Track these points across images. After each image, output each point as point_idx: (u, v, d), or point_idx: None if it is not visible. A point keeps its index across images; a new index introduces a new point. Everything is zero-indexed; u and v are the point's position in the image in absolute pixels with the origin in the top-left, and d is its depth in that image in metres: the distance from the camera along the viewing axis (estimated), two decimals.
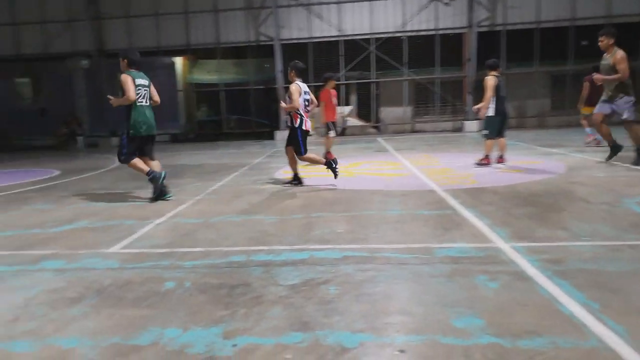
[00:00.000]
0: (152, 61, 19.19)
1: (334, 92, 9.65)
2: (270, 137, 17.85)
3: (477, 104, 8.25)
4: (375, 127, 19.20)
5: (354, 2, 18.17)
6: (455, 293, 2.79)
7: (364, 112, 19.55)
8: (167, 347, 2.30)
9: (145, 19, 18.53)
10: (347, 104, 19.06)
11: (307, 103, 6.70)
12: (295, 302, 2.75)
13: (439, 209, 4.99)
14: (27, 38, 18.85)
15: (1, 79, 20.11)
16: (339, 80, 18.42)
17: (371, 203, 5.46)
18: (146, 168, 6.02)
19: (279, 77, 18.00)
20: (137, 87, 5.86)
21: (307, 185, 6.89)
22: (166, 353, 2.25)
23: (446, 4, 17.89)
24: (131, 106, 5.84)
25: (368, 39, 18.24)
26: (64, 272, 3.48)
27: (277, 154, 11.58)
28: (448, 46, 18.24)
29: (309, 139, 6.83)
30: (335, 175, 6.72)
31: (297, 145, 6.67)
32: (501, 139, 7.94)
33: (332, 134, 9.65)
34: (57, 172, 9.86)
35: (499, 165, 7.87)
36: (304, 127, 6.63)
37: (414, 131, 18.70)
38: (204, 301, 2.84)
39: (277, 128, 18.19)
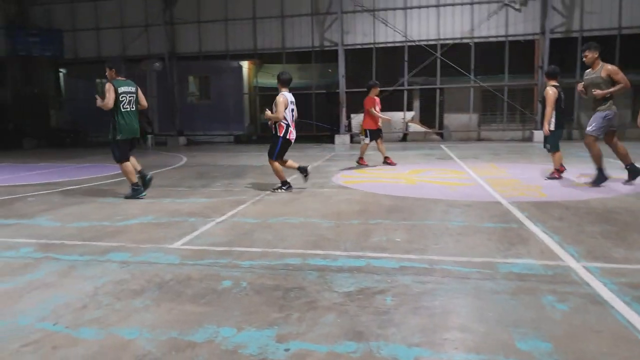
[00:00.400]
0: (220, 65, 19.89)
1: (377, 99, 9.75)
2: (331, 141, 17.91)
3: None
4: (439, 134, 18.76)
5: (420, 7, 17.88)
6: (519, 312, 2.63)
7: (427, 118, 19.16)
8: (221, 345, 2.33)
9: (215, 24, 19.20)
10: (409, 109, 18.77)
11: (293, 113, 6.74)
12: (349, 310, 2.70)
13: (504, 222, 4.76)
14: (108, 42, 20.07)
15: (83, 79, 21.57)
16: (404, 86, 18.20)
17: (432, 212, 5.30)
18: (134, 179, 6.53)
19: (342, 82, 18.05)
20: (121, 94, 6.30)
21: (364, 191, 6.81)
22: (220, 352, 2.27)
23: (517, 9, 17.19)
24: (117, 111, 6.29)
25: (434, 45, 17.88)
26: (128, 265, 3.63)
27: (336, 158, 11.58)
28: (518, 53, 17.50)
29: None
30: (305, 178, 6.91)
31: (272, 149, 6.72)
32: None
33: (366, 140, 9.84)
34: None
35: (555, 177, 7.47)
36: (287, 137, 6.68)
37: (479, 139, 18.09)
38: (259, 302, 2.85)
39: (338, 132, 18.23)
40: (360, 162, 9.91)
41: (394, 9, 18.07)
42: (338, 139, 17.84)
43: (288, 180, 6.93)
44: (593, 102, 6.68)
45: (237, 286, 3.12)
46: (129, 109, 6.41)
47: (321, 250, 3.87)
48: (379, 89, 9.91)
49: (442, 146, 15.42)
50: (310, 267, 3.47)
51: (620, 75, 6.45)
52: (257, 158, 12.35)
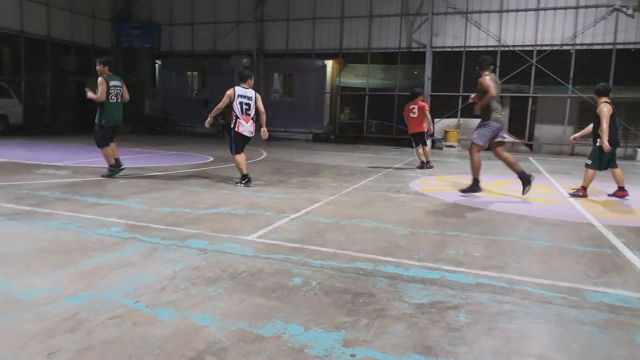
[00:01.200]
0: (305, 63, 20.23)
1: (421, 104, 10.40)
2: (410, 145, 17.55)
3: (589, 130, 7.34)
4: (528, 145, 17.77)
5: (518, 11, 17.02)
6: (609, 348, 2.40)
7: (516, 127, 18.22)
8: (288, 342, 2.33)
9: (303, 22, 19.52)
10: None
11: (246, 107, 7.03)
12: (419, 323, 2.61)
13: (596, 246, 4.39)
14: (200, 37, 21.12)
15: (176, 71, 22.91)
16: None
17: (515, 228, 5.01)
18: (112, 161, 7.45)
19: (427, 84, 17.64)
20: (110, 87, 7.24)
21: (443, 200, 6.60)
22: (287, 349, 2.27)
23: (630, 15, 15.81)
24: (104, 103, 7.21)
25: (530, 51, 16.94)
26: (205, 252, 3.77)
27: (415, 162, 11.32)
28: (625, 62, 16.11)
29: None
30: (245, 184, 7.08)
31: (230, 143, 7.14)
32: (616, 169, 7.14)
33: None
34: (211, 159, 10.87)
35: (616, 198, 7.08)
36: (236, 129, 7.01)
37: (573, 154, 16.90)
38: (328, 303, 2.84)
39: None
40: (428, 164, 10.50)
41: (489, 12, 17.37)
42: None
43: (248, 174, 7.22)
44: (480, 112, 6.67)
45: (306, 284, 3.13)
46: (115, 101, 7.34)
47: (393, 258, 3.78)
48: (421, 96, 10.75)
49: (531, 159, 14.59)
50: (381, 273, 3.41)
51: (483, 86, 6.43)
52: (334, 157, 12.43)
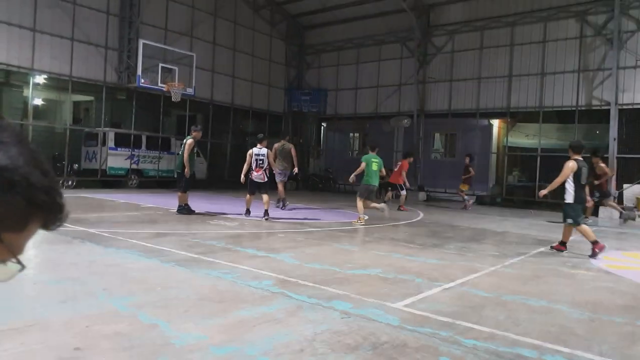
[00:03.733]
0: (469, 122, 19.62)
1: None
2: (594, 212, 15.33)
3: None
4: None
5: None
6: None
7: None
8: None
9: (467, 82, 19.11)
10: None
11: (260, 162, 9.44)
12: None
13: None
14: (363, 100, 22.05)
15: (339, 132, 24.18)
16: None
17: None
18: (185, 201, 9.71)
19: (613, 145, 15.54)
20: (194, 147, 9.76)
21: (636, 282, 5.48)
22: None
23: None
24: (191, 158, 9.64)
25: None
26: (349, 316, 3.61)
27: (600, 234, 9.83)
28: None
29: None
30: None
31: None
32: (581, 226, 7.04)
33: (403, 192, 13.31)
34: (366, 217, 10.88)
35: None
36: (250, 177, 9.57)
37: None
38: None
39: (603, 203, 15.46)
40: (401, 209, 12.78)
41: None
42: (604, 211, 14.99)
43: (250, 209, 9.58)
44: None
45: None
46: (194, 157, 10.11)
47: (565, 348, 3.15)
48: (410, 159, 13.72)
49: None
50: None
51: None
52: (499, 222, 11.46)
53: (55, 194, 0.68)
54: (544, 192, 7.34)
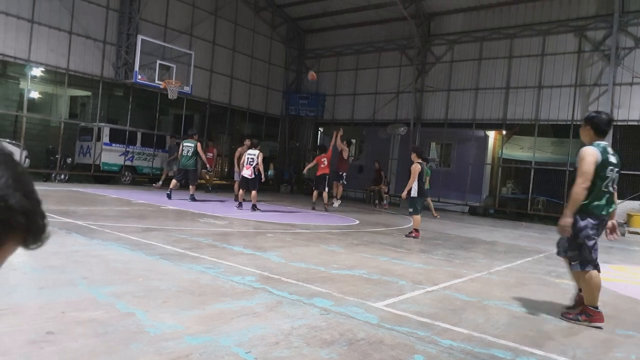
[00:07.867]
0: (465, 133, 19.67)
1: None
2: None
3: None
4: None
5: None
6: None
7: None
8: None
9: (465, 92, 19.18)
10: None
11: (250, 160, 10.89)
12: None
13: None
14: (360, 106, 22.10)
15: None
16: None
17: None
18: (193, 191, 12.06)
19: None
20: (184, 147, 12.00)
21: (617, 293, 5.50)
22: None
23: None
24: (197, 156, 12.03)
25: None
26: (328, 313, 3.61)
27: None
28: None
29: None
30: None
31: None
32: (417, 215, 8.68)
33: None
34: (356, 222, 10.89)
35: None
36: (241, 173, 11.35)
37: None
38: None
39: None
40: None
41: None
42: None
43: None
44: None
45: None
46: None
47: (540, 350, 3.15)
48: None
49: None
50: None
51: None
52: (490, 232, 11.49)
53: (37, 215, 0.67)
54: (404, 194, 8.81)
